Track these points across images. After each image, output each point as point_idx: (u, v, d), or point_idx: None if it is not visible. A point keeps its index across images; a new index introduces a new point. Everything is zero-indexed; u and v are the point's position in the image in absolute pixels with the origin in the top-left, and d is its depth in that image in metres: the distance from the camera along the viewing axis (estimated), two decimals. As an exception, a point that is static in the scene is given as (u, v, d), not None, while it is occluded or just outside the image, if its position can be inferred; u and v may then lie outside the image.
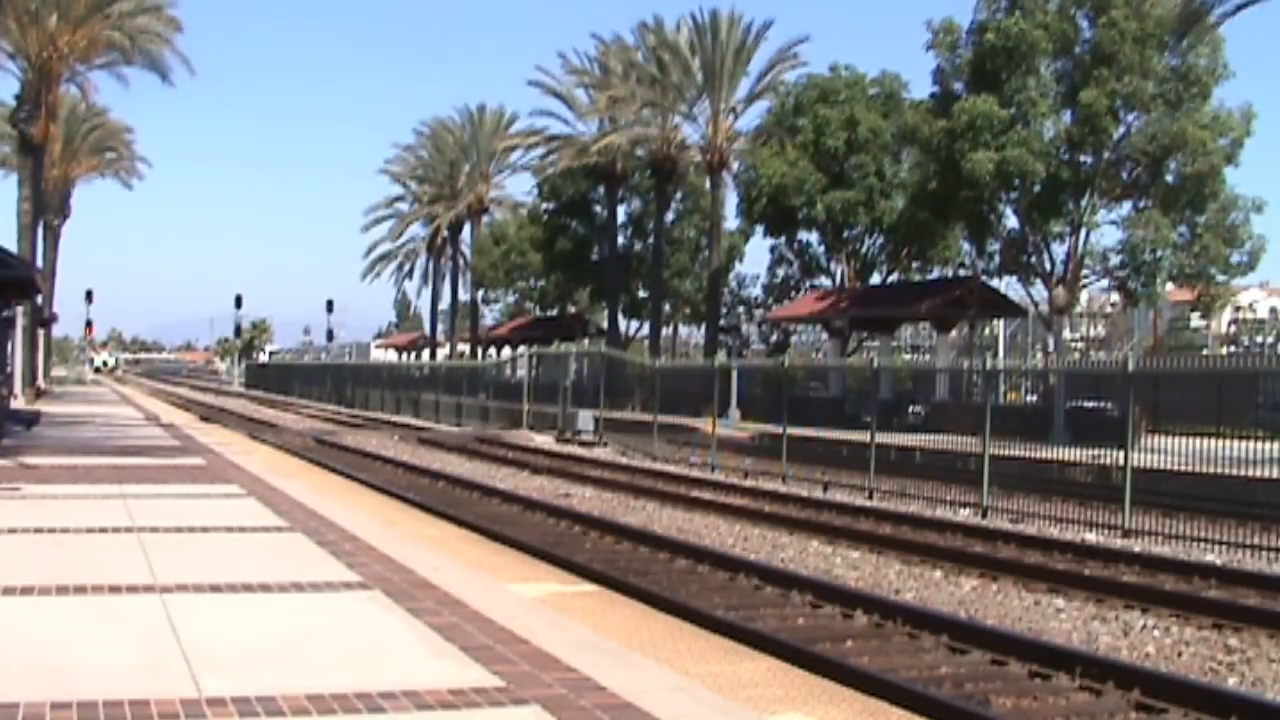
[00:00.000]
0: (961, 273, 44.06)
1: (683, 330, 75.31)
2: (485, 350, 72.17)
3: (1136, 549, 15.39)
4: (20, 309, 34.76)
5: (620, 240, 60.06)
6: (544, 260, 63.38)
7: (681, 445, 29.75)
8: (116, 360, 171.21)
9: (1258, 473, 18.24)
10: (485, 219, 72.93)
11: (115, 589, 7.43)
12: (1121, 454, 17.93)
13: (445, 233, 74.24)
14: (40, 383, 46.91)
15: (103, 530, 10.05)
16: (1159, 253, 34.42)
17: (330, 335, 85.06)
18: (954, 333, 52.79)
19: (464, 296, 76.62)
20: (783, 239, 48.46)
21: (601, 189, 59.27)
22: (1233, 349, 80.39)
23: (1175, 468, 18.86)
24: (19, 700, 4.83)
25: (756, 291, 57.38)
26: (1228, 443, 18.11)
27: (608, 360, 40.38)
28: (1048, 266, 37.10)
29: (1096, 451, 20.93)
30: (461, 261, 75.29)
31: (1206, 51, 33.69)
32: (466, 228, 73.35)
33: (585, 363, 42.89)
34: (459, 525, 15.58)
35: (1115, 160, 35.20)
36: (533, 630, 6.50)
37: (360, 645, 6.11)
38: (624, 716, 4.94)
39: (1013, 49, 34.37)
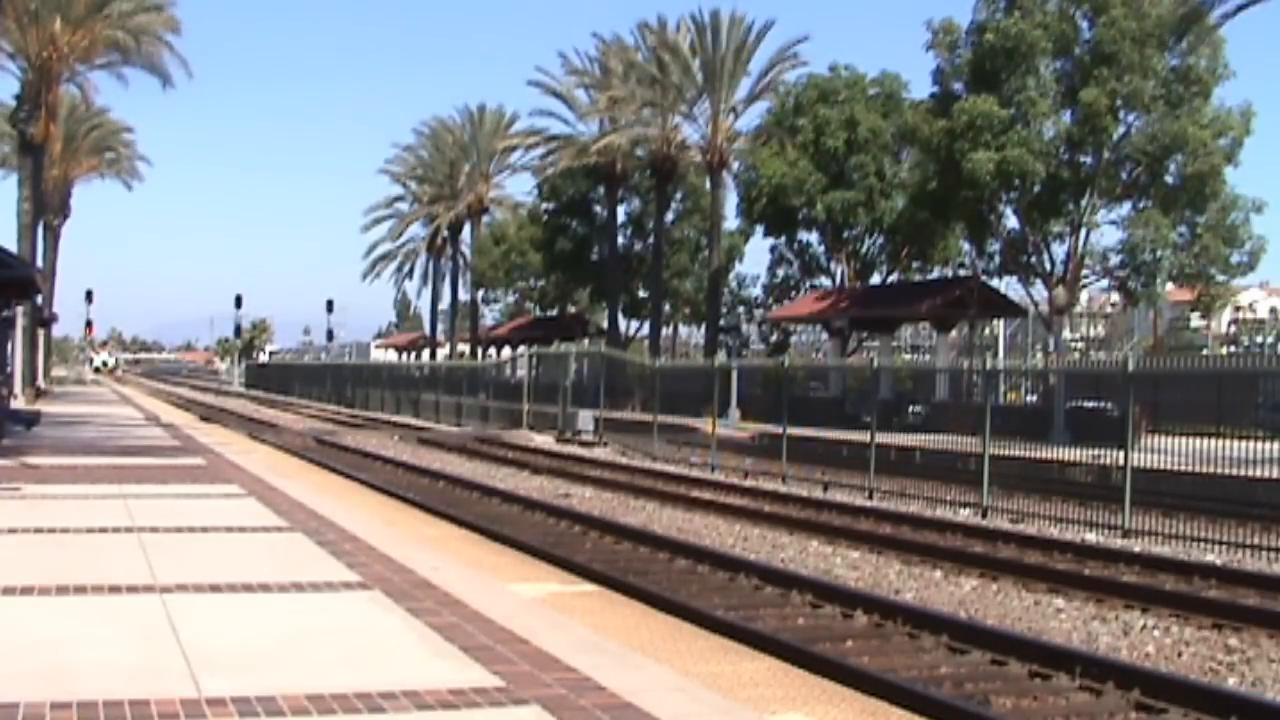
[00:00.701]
0: (961, 273, 44.10)
1: (683, 330, 75.33)
2: (485, 350, 72.15)
3: (1136, 549, 15.38)
4: (20, 309, 34.73)
5: (620, 240, 60.06)
6: (544, 260, 63.40)
7: (681, 445, 29.74)
8: (116, 360, 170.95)
9: (1258, 473, 18.25)
10: (485, 219, 72.95)
11: (115, 589, 7.43)
12: (1121, 454, 17.92)
13: (445, 233, 74.27)
14: (40, 383, 46.88)
15: (103, 530, 10.04)
16: (1159, 253, 34.46)
17: (330, 335, 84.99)
18: (954, 333, 52.83)
19: (464, 296, 76.82)
20: (783, 239, 48.52)
21: (601, 189, 59.24)
22: (1233, 349, 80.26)
23: (1175, 468, 18.87)
24: (19, 700, 4.83)
25: (756, 291, 57.59)
26: (1228, 443, 18.11)
27: (608, 360, 40.36)
28: (1048, 266, 37.13)
29: (1096, 451, 20.92)
30: (461, 261, 75.34)
31: (1207, 51, 33.73)
32: (466, 228, 73.36)
33: (585, 363, 42.84)
34: (459, 525, 15.57)
35: (1115, 160, 35.23)
36: (533, 630, 6.50)
37: (360, 645, 6.11)
38: (624, 716, 4.94)
39: (1012, 49, 34.40)
